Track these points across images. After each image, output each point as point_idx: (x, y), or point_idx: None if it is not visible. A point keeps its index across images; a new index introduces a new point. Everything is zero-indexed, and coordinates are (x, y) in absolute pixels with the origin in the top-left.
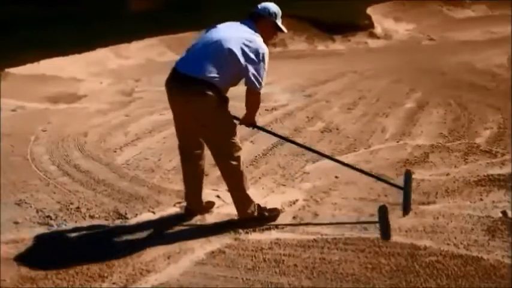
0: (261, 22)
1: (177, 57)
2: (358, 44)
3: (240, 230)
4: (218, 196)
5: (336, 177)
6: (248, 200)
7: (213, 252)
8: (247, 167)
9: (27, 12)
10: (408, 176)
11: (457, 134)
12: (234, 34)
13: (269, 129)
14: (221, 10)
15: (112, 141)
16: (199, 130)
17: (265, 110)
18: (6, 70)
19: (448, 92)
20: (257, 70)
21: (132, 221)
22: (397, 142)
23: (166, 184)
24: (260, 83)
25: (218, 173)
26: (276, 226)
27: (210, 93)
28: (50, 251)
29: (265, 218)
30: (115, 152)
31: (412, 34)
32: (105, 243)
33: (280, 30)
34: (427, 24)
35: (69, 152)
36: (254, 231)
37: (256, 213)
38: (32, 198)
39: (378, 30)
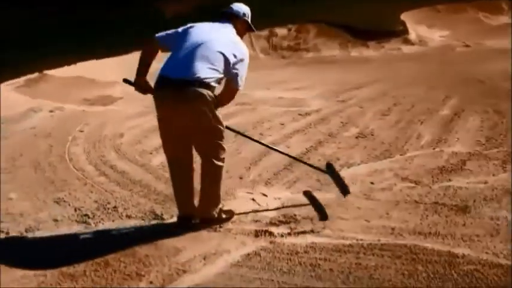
0: (236, 22)
1: None
2: (392, 50)
3: (276, 233)
4: (253, 199)
5: (372, 183)
6: (218, 201)
7: (248, 254)
8: (280, 171)
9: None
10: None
11: (494, 141)
12: (220, 36)
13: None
14: None
15: (147, 143)
16: (195, 134)
17: (299, 114)
18: (45, 72)
19: (485, 100)
20: (242, 71)
21: (168, 221)
22: (433, 149)
23: None
24: (242, 82)
25: (251, 176)
26: (312, 230)
27: (208, 93)
28: (88, 249)
29: (221, 219)
30: (151, 153)
31: (446, 41)
32: (142, 243)
33: (252, 30)
34: (462, 31)
35: (105, 153)
36: (289, 234)
37: (216, 215)
38: (70, 196)
39: (412, 36)
